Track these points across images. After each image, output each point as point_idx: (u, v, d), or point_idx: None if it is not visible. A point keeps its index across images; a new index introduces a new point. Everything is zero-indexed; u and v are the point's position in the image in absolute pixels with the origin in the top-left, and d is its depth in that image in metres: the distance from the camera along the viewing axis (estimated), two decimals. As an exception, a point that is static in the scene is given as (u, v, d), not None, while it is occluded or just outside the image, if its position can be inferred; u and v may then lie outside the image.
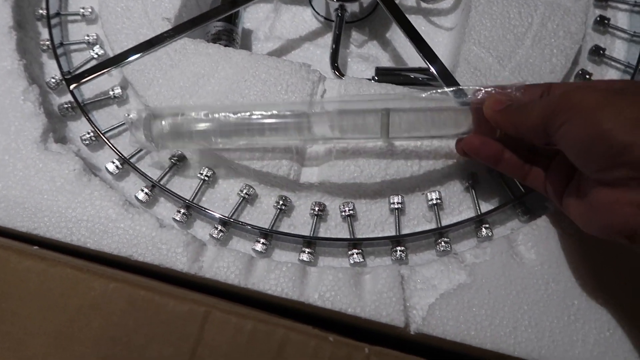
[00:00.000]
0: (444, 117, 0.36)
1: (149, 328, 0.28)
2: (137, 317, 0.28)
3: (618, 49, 0.45)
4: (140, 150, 0.41)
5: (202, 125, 0.37)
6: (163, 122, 0.37)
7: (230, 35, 0.46)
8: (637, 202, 0.25)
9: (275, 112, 0.36)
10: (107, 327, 0.28)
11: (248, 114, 0.36)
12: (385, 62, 0.49)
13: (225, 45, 0.44)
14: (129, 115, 0.37)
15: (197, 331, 0.28)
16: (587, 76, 0.42)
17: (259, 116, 0.36)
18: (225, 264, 0.35)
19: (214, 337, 0.28)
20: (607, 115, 0.25)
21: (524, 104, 0.31)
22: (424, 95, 0.36)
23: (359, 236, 0.38)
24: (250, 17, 0.51)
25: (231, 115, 0.36)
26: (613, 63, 0.44)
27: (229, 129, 0.37)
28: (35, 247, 0.34)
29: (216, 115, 0.36)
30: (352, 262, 0.37)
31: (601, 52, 0.43)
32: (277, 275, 0.35)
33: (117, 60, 0.42)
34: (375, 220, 0.39)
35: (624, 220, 0.25)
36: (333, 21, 0.47)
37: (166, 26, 0.43)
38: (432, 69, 0.40)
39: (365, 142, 0.38)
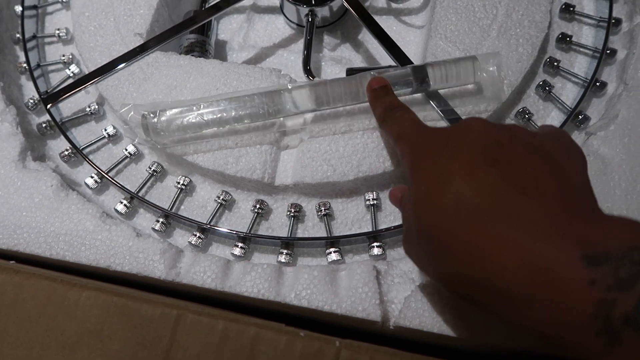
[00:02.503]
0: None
1: (122, 333, 0.29)
2: (111, 323, 0.29)
3: (585, 35, 0.45)
4: (119, 163, 0.42)
5: (192, 116, 0.38)
6: (155, 120, 0.38)
7: (203, 46, 0.47)
8: None
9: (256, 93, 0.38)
10: (82, 334, 0.29)
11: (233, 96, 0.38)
12: (358, 63, 0.50)
13: (199, 57, 0.45)
14: (122, 111, 0.38)
15: (169, 333, 0.28)
16: (555, 63, 0.42)
17: (245, 96, 0.38)
18: (201, 268, 0.35)
19: (186, 338, 0.28)
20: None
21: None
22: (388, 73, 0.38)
23: (336, 234, 0.39)
24: (224, 28, 0.52)
25: (219, 101, 0.38)
26: (581, 49, 0.44)
27: (217, 114, 0.38)
28: (12, 262, 0.34)
29: (204, 104, 0.38)
30: (330, 260, 0.37)
31: (568, 39, 0.43)
32: (253, 277, 0.35)
33: (92, 77, 0.43)
34: (352, 218, 0.40)
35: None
36: (304, 26, 0.48)
37: (138, 41, 0.44)
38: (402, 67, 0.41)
39: (339, 128, 0.40)
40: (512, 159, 0.24)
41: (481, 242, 0.21)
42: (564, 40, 0.44)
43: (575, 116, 0.41)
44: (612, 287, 0.18)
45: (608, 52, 0.42)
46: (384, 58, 0.49)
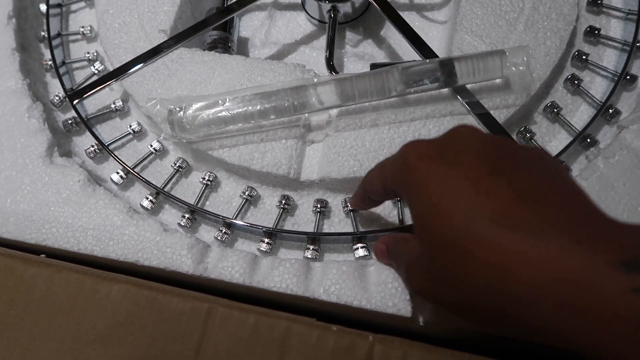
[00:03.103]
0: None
1: (153, 326, 0.28)
2: (141, 316, 0.29)
3: (614, 28, 0.44)
4: (144, 159, 0.42)
5: (218, 109, 0.38)
6: (180, 113, 0.38)
7: (225, 43, 0.47)
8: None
9: (280, 86, 0.38)
10: (112, 328, 0.29)
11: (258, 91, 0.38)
12: (381, 59, 0.49)
13: (222, 53, 0.45)
14: (148, 105, 0.39)
15: (200, 327, 0.28)
16: (584, 57, 0.42)
17: (269, 90, 0.38)
18: (229, 263, 0.35)
19: (217, 332, 0.28)
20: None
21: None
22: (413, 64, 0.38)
23: (362, 230, 0.38)
24: (246, 25, 0.52)
25: (245, 95, 0.38)
26: (610, 42, 0.43)
27: (242, 108, 0.38)
28: (42, 255, 0.34)
29: (229, 98, 0.38)
30: (357, 256, 0.37)
31: (596, 32, 0.43)
32: (281, 272, 0.35)
33: (116, 74, 0.43)
34: (378, 213, 0.39)
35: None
36: (327, 23, 0.48)
37: (162, 38, 0.44)
38: (427, 60, 0.40)
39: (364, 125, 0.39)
40: (515, 168, 0.22)
41: (501, 255, 0.20)
42: (592, 34, 0.43)
43: (606, 110, 0.40)
44: None
45: (639, 44, 0.42)
46: (407, 53, 0.48)
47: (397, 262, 0.31)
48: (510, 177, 0.22)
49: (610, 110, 0.40)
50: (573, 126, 0.40)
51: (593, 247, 0.18)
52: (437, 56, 0.41)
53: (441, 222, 0.22)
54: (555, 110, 0.40)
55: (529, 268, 0.19)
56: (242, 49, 0.51)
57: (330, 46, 0.46)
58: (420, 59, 0.42)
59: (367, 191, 0.31)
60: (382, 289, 0.34)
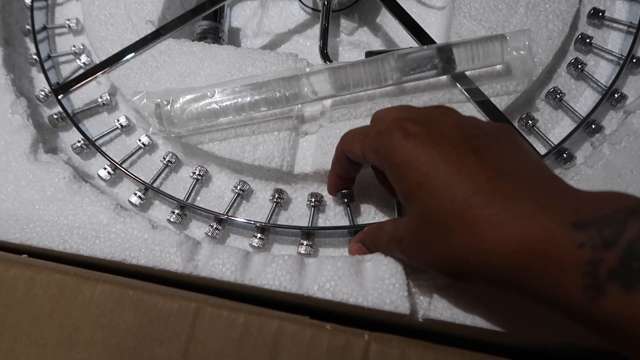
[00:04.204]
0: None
1: (138, 328, 0.27)
2: (126, 317, 0.27)
3: (619, 10, 0.42)
4: (132, 154, 0.41)
5: (207, 102, 0.36)
6: (168, 107, 0.36)
7: (215, 33, 0.46)
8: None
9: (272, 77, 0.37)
10: (96, 330, 0.27)
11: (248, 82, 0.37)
12: (377, 46, 0.48)
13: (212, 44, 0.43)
14: (134, 99, 0.37)
15: (188, 328, 0.27)
16: (588, 40, 0.40)
17: (260, 80, 0.36)
18: (220, 261, 0.34)
19: (205, 333, 0.27)
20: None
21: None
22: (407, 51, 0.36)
23: (359, 223, 0.37)
24: (237, 15, 0.51)
25: (235, 87, 0.37)
26: (614, 25, 0.42)
27: (232, 100, 0.36)
28: (24, 255, 0.33)
29: (218, 90, 0.37)
30: (353, 251, 0.35)
31: (600, 14, 0.41)
32: (274, 269, 0.33)
33: (103, 66, 0.41)
34: (375, 205, 0.38)
35: None
36: (320, 11, 0.46)
37: (150, 29, 0.43)
38: (424, 47, 0.39)
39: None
40: (490, 146, 0.25)
41: (480, 225, 0.22)
42: (597, 16, 0.41)
43: (611, 95, 0.38)
44: (598, 247, 0.20)
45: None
46: (404, 40, 0.47)
47: (379, 246, 0.32)
48: (487, 155, 0.24)
49: (616, 95, 0.38)
50: (577, 112, 0.38)
51: (554, 212, 0.21)
52: (434, 42, 0.40)
53: (426, 200, 0.24)
54: (558, 96, 0.39)
55: (501, 234, 0.22)
56: (234, 39, 0.49)
57: (324, 35, 0.44)
58: (418, 46, 0.40)
59: (345, 152, 0.32)
60: (379, 286, 0.32)
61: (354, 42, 0.48)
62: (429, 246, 0.25)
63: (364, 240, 0.34)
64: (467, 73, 0.38)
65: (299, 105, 0.38)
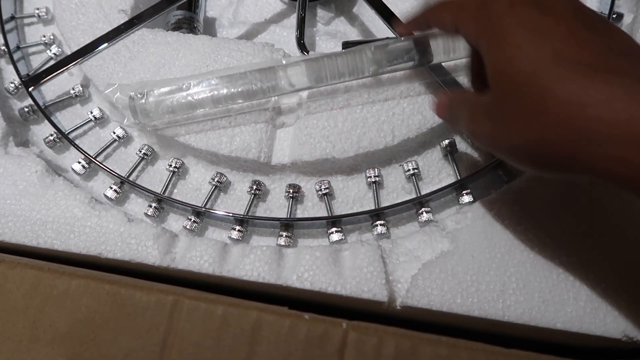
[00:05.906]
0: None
1: (115, 322, 0.27)
2: (102, 312, 0.27)
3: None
4: (107, 147, 0.40)
5: (182, 95, 0.36)
6: (142, 100, 0.36)
7: (191, 23, 0.45)
8: None
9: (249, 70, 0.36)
10: (72, 325, 0.27)
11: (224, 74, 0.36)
12: (354, 37, 0.48)
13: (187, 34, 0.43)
14: (107, 92, 0.37)
15: (166, 321, 0.27)
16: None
17: (237, 73, 0.36)
18: (198, 253, 0.34)
19: (184, 326, 0.27)
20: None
21: None
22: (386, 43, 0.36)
23: (337, 214, 0.37)
24: (213, 5, 0.50)
25: (211, 79, 0.36)
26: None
27: (208, 93, 0.36)
28: (-5, 252, 0.33)
29: (193, 82, 0.36)
30: (332, 240, 0.36)
31: None
32: (252, 260, 0.33)
33: (74, 57, 0.40)
34: (353, 196, 0.38)
35: None
36: (296, 1, 0.46)
37: (123, 18, 0.42)
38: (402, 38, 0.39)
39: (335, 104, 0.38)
40: (606, 28, 0.23)
41: (585, 94, 0.20)
42: None
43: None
44: None
45: (614, 16, 0.41)
46: (380, 31, 0.47)
47: (459, 116, 0.29)
48: (602, 33, 0.23)
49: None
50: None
51: None
52: (411, 34, 0.40)
53: (526, 64, 0.22)
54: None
55: (607, 108, 0.20)
56: (209, 29, 0.49)
57: (301, 25, 0.44)
58: (394, 36, 0.40)
59: (430, 21, 0.31)
60: (357, 274, 0.32)
61: (330, 32, 0.48)
62: (513, 112, 0.23)
63: (452, 100, 0.30)
64: (444, 64, 0.38)
65: (276, 97, 0.38)
